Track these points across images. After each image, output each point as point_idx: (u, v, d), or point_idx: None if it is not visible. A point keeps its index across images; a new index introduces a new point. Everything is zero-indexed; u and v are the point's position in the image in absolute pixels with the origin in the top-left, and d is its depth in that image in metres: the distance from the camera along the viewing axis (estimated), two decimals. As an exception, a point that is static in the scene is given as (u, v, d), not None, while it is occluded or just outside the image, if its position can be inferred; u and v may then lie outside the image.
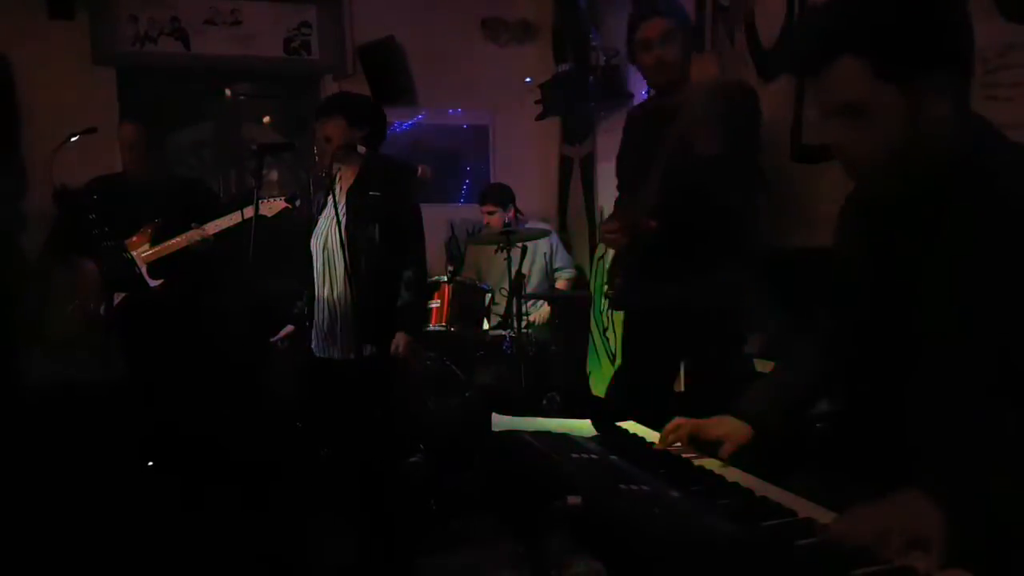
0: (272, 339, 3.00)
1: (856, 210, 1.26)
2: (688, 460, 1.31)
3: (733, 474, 1.22)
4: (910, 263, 1.09)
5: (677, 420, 1.38)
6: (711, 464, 1.28)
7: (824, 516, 1.00)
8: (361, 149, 2.68)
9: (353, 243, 2.63)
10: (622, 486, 1.09)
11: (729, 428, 1.34)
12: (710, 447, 1.34)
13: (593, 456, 1.26)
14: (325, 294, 2.73)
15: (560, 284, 4.38)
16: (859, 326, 1.19)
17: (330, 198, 2.66)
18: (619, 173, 2.58)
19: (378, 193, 2.68)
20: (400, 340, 2.66)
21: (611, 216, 2.52)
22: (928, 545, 0.87)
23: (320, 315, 2.75)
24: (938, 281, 1.04)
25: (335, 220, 2.62)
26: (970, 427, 1.01)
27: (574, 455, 1.26)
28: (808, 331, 1.38)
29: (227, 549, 2.66)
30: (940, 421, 1.05)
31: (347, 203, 2.70)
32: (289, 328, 2.98)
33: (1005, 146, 1.10)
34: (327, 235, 2.72)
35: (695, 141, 2.13)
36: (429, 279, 3.17)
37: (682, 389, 2.58)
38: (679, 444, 1.36)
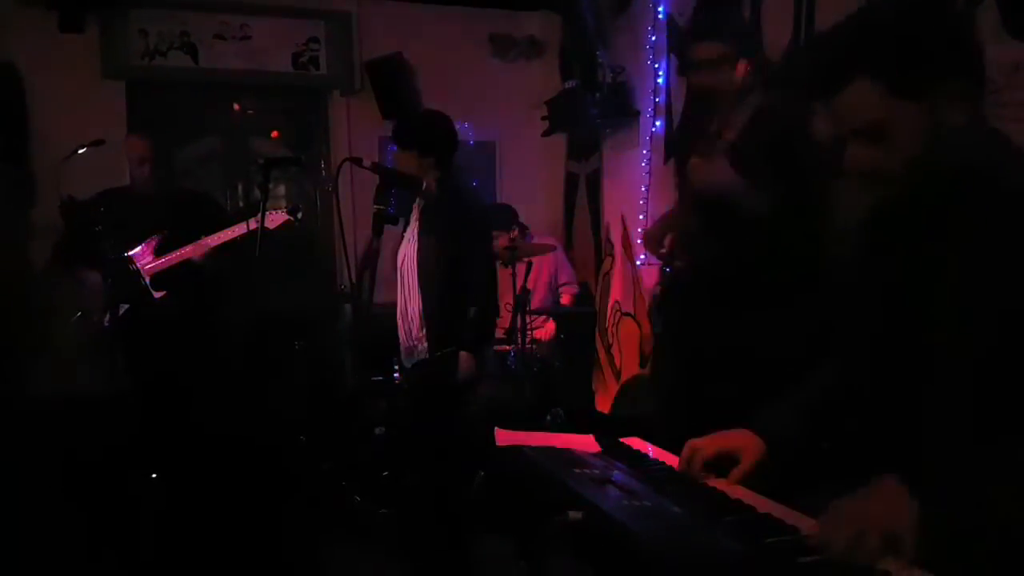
0: None
1: (877, 225, 1.24)
2: (690, 476, 1.29)
3: (736, 491, 1.21)
4: (935, 276, 1.08)
5: (692, 444, 1.32)
6: (715, 481, 1.26)
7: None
8: (432, 176, 2.74)
9: (425, 262, 2.70)
10: (624, 502, 1.08)
11: (745, 441, 1.30)
12: (727, 463, 1.29)
13: (595, 471, 1.26)
14: (402, 309, 2.81)
15: (564, 299, 4.37)
16: (881, 342, 1.17)
17: (411, 218, 2.77)
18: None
19: (446, 215, 2.72)
20: (461, 361, 2.69)
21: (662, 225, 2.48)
22: (900, 544, 0.88)
23: (400, 329, 2.83)
24: (963, 294, 1.03)
25: (411, 241, 2.75)
26: (979, 439, 1.00)
27: (576, 470, 1.25)
28: (828, 348, 1.36)
29: (231, 560, 2.65)
30: (952, 437, 1.03)
31: (420, 224, 2.78)
32: None
33: (1020, 155, 1.10)
34: (405, 255, 2.80)
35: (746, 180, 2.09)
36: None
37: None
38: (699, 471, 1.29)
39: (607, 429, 1.57)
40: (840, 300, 1.32)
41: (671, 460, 1.39)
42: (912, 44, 1.04)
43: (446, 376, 2.68)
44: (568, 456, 1.35)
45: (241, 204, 4.72)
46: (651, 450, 1.47)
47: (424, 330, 2.74)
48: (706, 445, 1.30)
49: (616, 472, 1.26)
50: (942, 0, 1.14)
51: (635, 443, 1.52)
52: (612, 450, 1.44)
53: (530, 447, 1.39)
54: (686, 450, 1.32)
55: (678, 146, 2.51)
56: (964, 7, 2.07)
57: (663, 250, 2.38)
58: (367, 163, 2.72)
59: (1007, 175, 1.05)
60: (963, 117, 1.06)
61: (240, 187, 4.80)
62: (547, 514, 1.04)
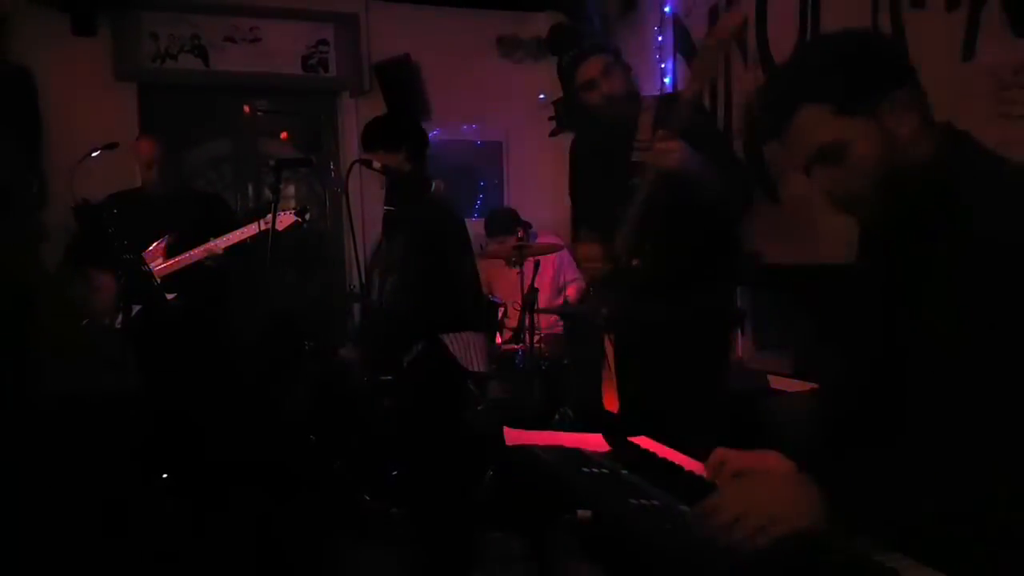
0: None
1: (862, 237, 1.27)
2: (699, 475, 1.30)
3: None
4: (915, 281, 1.09)
5: (721, 454, 1.31)
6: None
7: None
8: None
9: (387, 264, 2.72)
10: (632, 501, 1.09)
11: (775, 464, 1.27)
12: None
13: (604, 471, 1.27)
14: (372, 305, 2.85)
15: (570, 293, 4.36)
16: (872, 350, 1.17)
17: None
18: (577, 201, 2.63)
19: (401, 211, 2.74)
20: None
21: (578, 238, 2.56)
22: (778, 527, 0.93)
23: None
24: (939, 300, 1.04)
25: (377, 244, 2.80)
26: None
27: (585, 469, 1.26)
28: (836, 355, 1.36)
29: (240, 560, 2.67)
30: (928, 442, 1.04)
31: (385, 225, 2.82)
32: None
33: (979, 150, 1.12)
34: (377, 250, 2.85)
35: (670, 170, 2.15)
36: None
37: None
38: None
39: (616, 428, 1.58)
40: (841, 304, 1.33)
41: (680, 459, 1.40)
42: (849, 65, 1.09)
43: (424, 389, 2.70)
44: (577, 455, 1.36)
45: (251, 205, 4.75)
46: (660, 449, 1.48)
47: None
48: (734, 458, 1.29)
49: (624, 471, 1.27)
50: (872, 29, 1.19)
51: (644, 442, 1.53)
52: (620, 449, 1.45)
53: (539, 446, 1.39)
54: (713, 457, 1.31)
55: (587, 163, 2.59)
56: (969, 8, 2.08)
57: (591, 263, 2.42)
58: (377, 165, 2.74)
59: (971, 169, 1.07)
60: (913, 123, 1.09)
61: (250, 188, 4.83)
62: (556, 513, 1.05)
